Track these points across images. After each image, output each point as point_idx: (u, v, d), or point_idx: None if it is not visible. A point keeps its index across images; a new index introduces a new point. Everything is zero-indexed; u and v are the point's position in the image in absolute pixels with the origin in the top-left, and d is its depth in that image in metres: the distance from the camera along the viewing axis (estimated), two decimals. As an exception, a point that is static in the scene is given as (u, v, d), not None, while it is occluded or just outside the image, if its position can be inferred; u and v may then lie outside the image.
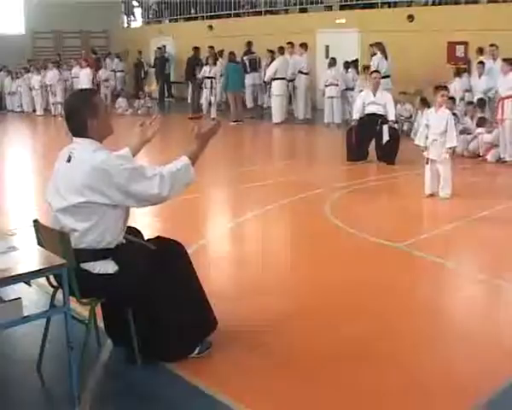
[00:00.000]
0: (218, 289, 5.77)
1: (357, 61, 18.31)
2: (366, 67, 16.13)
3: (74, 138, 4.23)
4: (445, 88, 9.99)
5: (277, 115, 18.49)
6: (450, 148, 9.48)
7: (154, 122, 5.01)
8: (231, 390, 4.25)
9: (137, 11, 31.37)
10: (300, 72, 18.83)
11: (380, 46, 16.64)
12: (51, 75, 22.38)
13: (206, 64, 20.05)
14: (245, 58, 20.90)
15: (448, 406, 4.12)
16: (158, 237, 4.81)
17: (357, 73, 17.90)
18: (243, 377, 4.47)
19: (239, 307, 5.60)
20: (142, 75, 25.93)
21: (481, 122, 12.91)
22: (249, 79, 20.64)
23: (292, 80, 18.88)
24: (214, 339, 4.77)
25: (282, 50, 18.58)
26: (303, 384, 4.36)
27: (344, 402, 4.17)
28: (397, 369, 4.57)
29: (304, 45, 18.93)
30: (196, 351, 4.64)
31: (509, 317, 5.67)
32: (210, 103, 19.94)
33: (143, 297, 4.37)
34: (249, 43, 21.06)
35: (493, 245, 7.69)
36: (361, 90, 13.91)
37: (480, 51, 15.49)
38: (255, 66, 20.96)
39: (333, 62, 17.83)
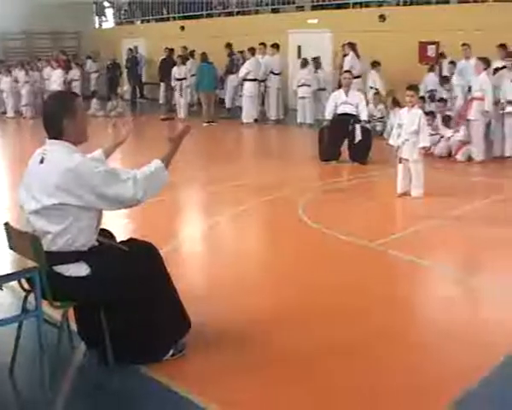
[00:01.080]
0: (192, 290, 5.74)
1: (318, 58, 18.32)
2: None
3: (48, 140, 4.20)
4: (416, 88, 10.07)
5: (249, 116, 18.53)
6: (422, 147, 9.56)
7: (127, 125, 4.99)
8: (205, 392, 4.24)
9: (109, 12, 31.23)
10: (272, 72, 18.86)
11: (352, 46, 16.73)
12: (19, 77, 22.20)
13: (180, 64, 19.96)
14: (227, 60, 20.92)
15: (425, 404, 4.15)
16: (130, 239, 4.79)
17: (316, 69, 17.97)
18: (218, 378, 4.45)
19: (213, 308, 5.58)
20: (119, 76, 25.71)
21: (446, 121, 13.00)
22: (231, 80, 20.69)
23: (264, 81, 18.91)
24: (188, 340, 4.76)
25: (252, 51, 18.58)
26: (278, 385, 4.36)
27: (319, 402, 4.17)
28: (373, 368, 4.58)
29: (275, 46, 18.96)
30: (170, 353, 4.63)
31: (484, 314, 5.72)
32: (183, 104, 19.91)
33: (116, 299, 4.34)
34: (229, 45, 20.99)
35: (466, 243, 7.77)
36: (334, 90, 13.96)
37: (442, 55, 15.64)
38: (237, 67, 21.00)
39: (305, 63, 17.87)
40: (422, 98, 13.59)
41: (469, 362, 4.66)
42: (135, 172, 4.24)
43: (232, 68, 20.58)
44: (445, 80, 13.60)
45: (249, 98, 18.55)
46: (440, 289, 6.38)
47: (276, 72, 18.89)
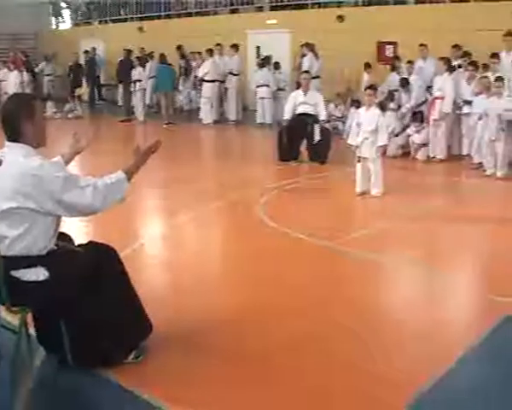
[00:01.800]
0: (153, 292, 5.72)
1: (270, 57, 18.35)
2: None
3: (7, 143, 4.14)
4: (373, 87, 10.16)
5: (208, 117, 18.51)
6: (380, 146, 9.64)
7: (88, 135, 4.95)
8: (166, 394, 4.22)
9: (66, 13, 30.88)
10: (231, 73, 18.86)
11: (310, 47, 16.80)
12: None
13: (138, 66, 19.84)
14: (182, 62, 20.85)
15: (385, 402, 4.18)
16: (89, 243, 4.75)
17: (269, 70, 18.01)
18: (179, 381, 4.43)
19: (174, 311, 5.56)
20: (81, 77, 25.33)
21: (416, 118, 13.13)
22: (187, 81, 20.63)
23: (222, 82, 18.90)
24: (149, 343, 4.74)
25: (210, 52, 18.56)
26: (238, 385, 4.36)
27: (274, 401, 4.19)
28: (328, 367, 4.61)
29: (235, 46, 18.96)
30: (131, 356, 4.60)
31: (442, 312, 5.76)
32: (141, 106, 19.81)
33: (76, 303, 4.30)
34: (180, 47, 20.93)
35: (425, 241, 7.86)
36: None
37: (398, 58, 15.79)
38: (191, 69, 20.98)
39: (264, 63, 17.90)
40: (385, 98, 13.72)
41: (426, 361, 4.71)
42: (95, 180, 4.20)
43: (186, 70, 20.56)
44: (404, 82, 13.71)
45: (208, 99, 18.54)
46: (400, 287, 6.45)
47: (236, 72, 18.89)
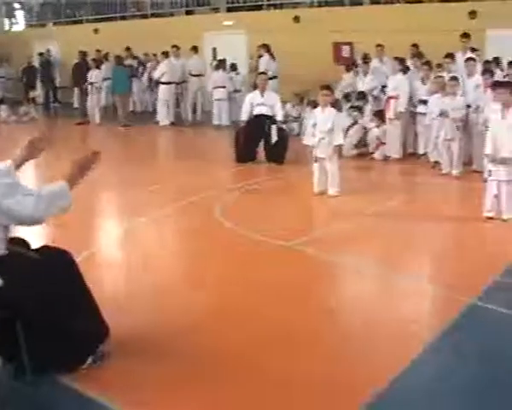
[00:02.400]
0: (110, 296, 5.65)
1: (224, 60, 18.32)
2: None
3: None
4: (329, 87, 10.17)
5: (165, 119, 18.40)
6: (336, 146, 9.65)
7: (43, 142, 4.81)
8: (125, 400, 4.16)
9: (20, 14, 30.43)
10: (190, 74, 18.79)
11: (266, 48, 16.80)
12: None
13: (94, 68, 19.64)
14: (133, 63, 20.70)
15: (342, 402, 4.16)
16: (44, 247, 4.66)
17: (225, 71, 17.99)
18: (137, 386, 4.36)
19: (132, 314, 5.48)
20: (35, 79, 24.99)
21: (377, 114, 13.20)
22: (139, 83, 20.48)
23: (179, 83, 18.79)
24: (107, 348, 4.66)
25: (166, 54, 18.46)
26: (200, 392, 4.29)
27: (240, 400, 4.16)
28: (293, 368, 4.57)
29: (194, 48, 18.91)
30: (89, 361, 4.52)
31: (401, 308, 5.80)
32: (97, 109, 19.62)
33: (31, 309, 4.20)
34: (128, 49, 20.75)
35: (382, 240, 7.89)
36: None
37: (355, 64, 15.91)
38: (143, 70, 20.84)
39: (220, 65, 17.86)
40: (364, 98, 13.76)
41: (383, 360, 4.71)
42: (38, 189, 4.10)
43: (138, 71, 20.44)
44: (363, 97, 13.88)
45: (165, 101, 18.43)
46: (357, 287, 6.45)
47: (194, 73, 18.81)
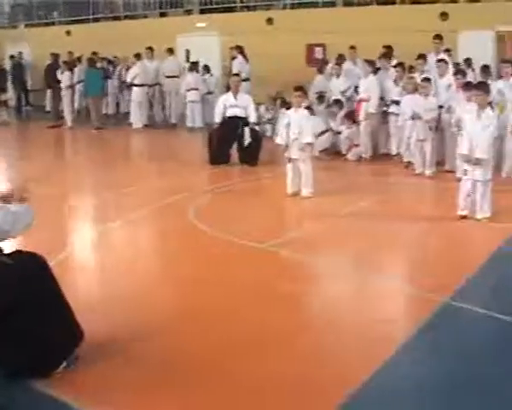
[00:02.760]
0: (84, 300, 5.57)
1: (197, 62, 18.27)
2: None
3: None
4: (302, 89, 10.18)
5: (138, 121, 18.31)
6: (307, 144, 9.63)
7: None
8: (99, 405, 4.12)
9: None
10: (165, 76, 18.76)
11: (240, 49, 16.77)
12: None
13: (66, 70, 19.49)
14: (104, 65, 20.58)
15: (316, 403, 4.14)
16: (16, 251, 4.58)
17: (199, 73, 17.96)
18: (112, 390, 4.31)
19: (106, 318, 5.42)
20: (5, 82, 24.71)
21: (348, 115, 13.22)
22: (111, 85, 20.39)
23: (152, 85, 18.71)
24: (81, 352, 4.61)
25: (138, 56, 18.35)
26: (172, 396, 4.26)
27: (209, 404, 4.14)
28: (266, 369, 4.56)
29: (170, 50, 18.93)
30: (63, 365, 4.46)
31: (375, 308, 5.81)
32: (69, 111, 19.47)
33: (4, 314, 4.15)
34: (95, 53, 20.63)
35: (356, 240, 7.88)
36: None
37: (325, 62, 15.96)
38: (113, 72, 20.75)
39: (193, 67, 17.81)
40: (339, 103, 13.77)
41: (358, 360, 4.70)
42: (8, 206, 4.15)
43: (109, 73, 20.35)
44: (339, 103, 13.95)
45: (138, 104, 18.33)
46: (330, 287, 6.45)
47: (168, 75, 18.75)
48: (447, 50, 13.57)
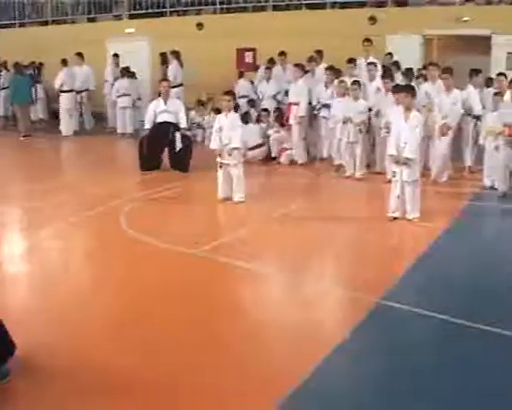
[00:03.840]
0: (16, 312, 5.49)
1: (128, 68, 18.08)
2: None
3: None
4: (231, 93, 10.18)
5: (67, 128, 17.99)
6: (234, 148, 9.60)
7: None
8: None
9: None
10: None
11: (176, 54, 16.65)
12: None
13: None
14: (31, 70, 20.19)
15: (255, 403, 4.18)
16: None
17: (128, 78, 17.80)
18: (45, 405, 4.22)
19: (39, 330, 5.32)
20: None
21: (277, 119, 13.27)
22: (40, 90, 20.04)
23: (80, 92, 18.43)
24: (14, 365, 4.52)
25: (64, 62, 18.03)
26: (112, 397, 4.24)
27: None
28: (204, 372, 4.53)
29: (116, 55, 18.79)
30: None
31: (309, 310, 5.83)
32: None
33: None
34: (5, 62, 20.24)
35: (290, 243, 7.93)
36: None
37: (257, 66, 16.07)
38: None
39: (125, 72, 17.60)
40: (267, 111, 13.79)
41: (294, 362, 4.73)
42: None
43: (38, 78, 20.00)
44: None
45: (67, 110, 18.01)
46: (264, 290, 6.49)
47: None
48: (389, 54, 14.07)
